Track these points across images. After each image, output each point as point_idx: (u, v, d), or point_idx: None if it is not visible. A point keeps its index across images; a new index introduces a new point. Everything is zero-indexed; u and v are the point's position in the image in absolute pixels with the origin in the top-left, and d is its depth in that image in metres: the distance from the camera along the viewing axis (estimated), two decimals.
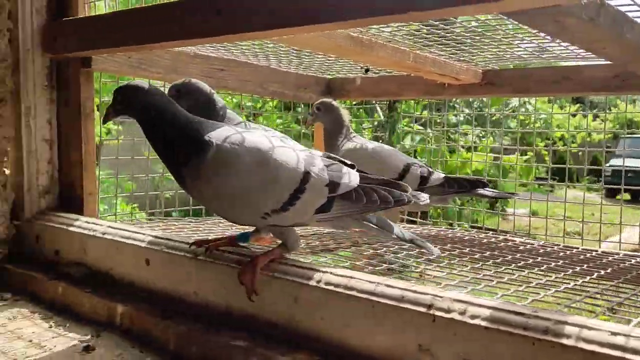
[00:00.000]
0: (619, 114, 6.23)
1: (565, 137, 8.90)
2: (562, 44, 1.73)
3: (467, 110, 6.12)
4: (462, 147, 4.98)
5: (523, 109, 5.35)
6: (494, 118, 6.88)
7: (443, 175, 2.04)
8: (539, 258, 1.72)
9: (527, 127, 4.87)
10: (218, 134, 1.20)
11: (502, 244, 1.98)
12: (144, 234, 1.52)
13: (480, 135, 6.49)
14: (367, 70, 2.43)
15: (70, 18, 1.75)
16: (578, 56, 1.95)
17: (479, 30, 1.76)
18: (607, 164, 8.48)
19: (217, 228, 2.02)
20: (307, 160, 1.25)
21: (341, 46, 1.57)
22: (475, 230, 2.35)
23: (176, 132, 1.20)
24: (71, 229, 1.69)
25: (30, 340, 1.36)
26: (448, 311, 1.00)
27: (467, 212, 3.16)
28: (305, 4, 1.11)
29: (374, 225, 1.36)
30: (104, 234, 1.59)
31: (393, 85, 2.57)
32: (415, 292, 1.05)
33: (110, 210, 4.26)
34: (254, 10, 1.24)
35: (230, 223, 2.18)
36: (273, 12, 1.17)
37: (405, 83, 2.52)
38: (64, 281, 1.60)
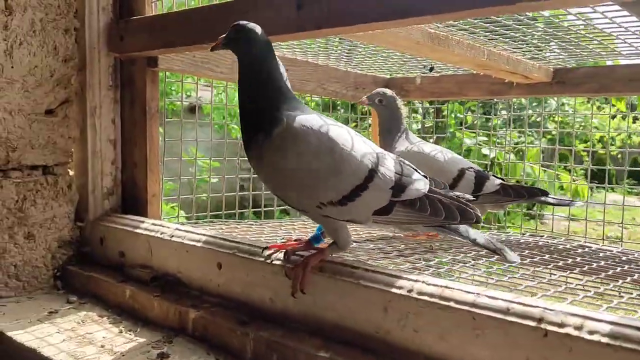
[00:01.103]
0: None
1: (604, 139, 8.61)
2: None
3: (504, 113, 5.97)
4: (510, 150, 4.84)
5: (561, 112, 5.18)
6: (531, 119, 6.69)
7: (499, 181, 1.94)
8: (626, 267, 1.61)
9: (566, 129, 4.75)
10: (294, 113, 1.19)
11: (580, 250, 1.87)
12: (214, 237, 1.48)
13: (518, 136, 6.31)
14: (431, 69, 2.35)
15: (137, 17, 1.73)
16: None
17: (556, 26, 1.67)
18: None
19: (280, 231, 1.97)
20: (376, 159, 1.21)
21: (419, 42, 1.50)
22: (544, 235, 2.23)
23: (261, 94, 1.19)
24: (137, 231, 1.65)
25: (102, 346, 1.32)
26: (562, 325, 0.92)
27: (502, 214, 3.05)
28: None
29: (446, 229, 1.30)
30: (172, 236, 1.56)
31: (454, 84, 2.48)
32: (522, 304, 0.97)
33: None
34: (338, 6, 1.18)
35: (292, 226, 2.14)
36: (364, 6, 1.11)
37: (467, 82, 2.43)
38: (131, 284, 1.57)
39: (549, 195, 1.91)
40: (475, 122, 3.22)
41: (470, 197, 1.33)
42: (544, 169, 4.66)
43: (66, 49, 1.73)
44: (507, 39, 1.80)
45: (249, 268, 1.35)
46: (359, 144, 1.21)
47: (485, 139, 4.11)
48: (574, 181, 3.59)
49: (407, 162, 1.31)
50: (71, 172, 1.82)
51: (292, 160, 1.16)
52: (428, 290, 1.07)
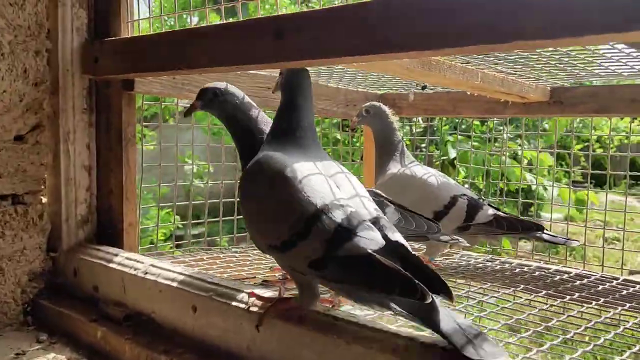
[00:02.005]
0: None
1: (602, 139, 8.57)
2: None
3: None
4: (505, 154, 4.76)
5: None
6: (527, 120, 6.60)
7: (493, 212, 1.85)
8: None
9: (564, 129, 4.69)
10: (268, 149, 1.19)
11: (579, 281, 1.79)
12: (190, 277, 1.38)
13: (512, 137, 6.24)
14: (424, 88, 2.26)
15: (112, 38, 1.63)
16: None
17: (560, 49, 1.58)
18: None
19: (266, 260, 1.88)
20: (327, 204, 1.03)
21: (408, 68, 1.41)
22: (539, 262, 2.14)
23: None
24: (111, 265, 1.56)
25: None
26: None
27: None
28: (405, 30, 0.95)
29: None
30: (145, 273, 1.46)
31: (448, 102, 2.39)
32: None
33: (146, 217, 4.19)
34: (321, 36, 1.09)
35: None
36: (344, 40, 1.02)
37: (461, 100, 2.34)
38: (104, 323, 1.47)
39: (545, 231, 1.82)
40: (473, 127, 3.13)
41: (431, 268, 1.02)
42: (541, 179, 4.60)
43: (37, 71, 1.64)
44: (502, 60, 1.71)
45: (226, 314, 1.26)
46: (316, 180, 1.08)
47: (477, 144, 4.03)
48: (573, 184, 3.53)
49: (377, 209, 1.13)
50: (44, 200, 1.73)
51: (249, 199, 1.18)
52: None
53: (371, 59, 1.04)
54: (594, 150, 2.56)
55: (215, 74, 1.74)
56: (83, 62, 1.69)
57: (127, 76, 1.63)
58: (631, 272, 3.11)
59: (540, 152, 2.98)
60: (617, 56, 1.59)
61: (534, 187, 3.90)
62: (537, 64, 1.73)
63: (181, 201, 2.23)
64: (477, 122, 4.59)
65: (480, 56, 1.65)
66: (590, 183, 2.73)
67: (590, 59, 1.66)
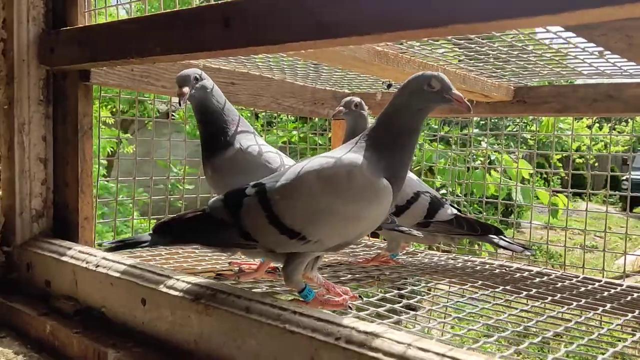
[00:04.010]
0: (635, 125, 5.98)
1: (581, 149, 8.69)
2: (610, 60, 1.55)
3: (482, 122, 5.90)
4: (481, 163, 4.78)
5: (538, 120, 5.15)
6: (508, 129, 6.64)
7: (453, 212, 1.84)
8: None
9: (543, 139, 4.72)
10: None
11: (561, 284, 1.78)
12: (142, 269, 1.36)
13: (494, 145, 6.28)
14: (389, 86, 2.26)
15: (68, 28, 1.61)
16: (624, 73, 1.77)
17: (517, 44, 1.58)
18: (624, 177, 8.21)
19: (225, 256, 1.85)
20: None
21: (364, 60, 1.40)
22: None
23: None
24: (63, 258, 1.53)
25: None
26: None
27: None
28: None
29: None
30: (97, 266, 1.43)
31: None
32: (456, 358, 0.88)
33: (125, 224, 4.14)
34: (267, 22, 1.08)
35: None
36: (288, 25, 1.01)
37: None
38: (53, 318, 1.44)
39: (502, 237, 1.82)
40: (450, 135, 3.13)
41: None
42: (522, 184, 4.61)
43: None
44: (463, 57, 1.72)
45: (174, 306, 1.23)
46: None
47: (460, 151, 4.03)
48: (553, 192, 3.56)
49: None
50: None
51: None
52: (357, 339, 0.97)
53: (315, 45, 1.03)
54: (573, 161, 2.58)
55: (170, 63, 1.72)
56: (39, 52, 1.66)
57: (82, 66, 1.61)
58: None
59: (515, 158, 2.99)
60: (580, 55, 1.60)
61: (513, 195, 3.92)
62: (498, 62, 1.73)
63: (162, 207, 2.21)
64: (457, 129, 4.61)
65: (440, 51, 1.65)
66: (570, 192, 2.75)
67: (549, 55, 1.67)
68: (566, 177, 2.31)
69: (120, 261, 1.43)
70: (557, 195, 3.88)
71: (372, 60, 1.41)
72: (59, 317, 1.45)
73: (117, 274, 1.37)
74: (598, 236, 2.52)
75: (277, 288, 1.44)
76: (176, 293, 1.24)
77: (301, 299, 1.27)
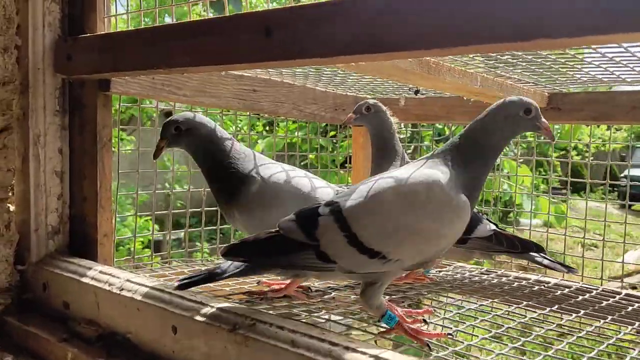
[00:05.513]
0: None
1: (579, 147, 8.62)
2: None
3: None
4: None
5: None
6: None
7: (492, 228, 1.72)
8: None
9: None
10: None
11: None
12: (170, 294, 1.27)
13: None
14: (417, 92, 2.17)
15: (87, 35, 1.52)
16: None
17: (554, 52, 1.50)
18: (622, 175, 8.14)
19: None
20: None
21: (405, 70, 1.32)
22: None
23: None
24: (83, 279, 1.44)
25: None
26: None
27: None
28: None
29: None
30: (121, 289, 1.35)
31: (441, 107, 2.30)
32: None
33: (122, 224, 4.05)
34: (311, 33, 0.99)
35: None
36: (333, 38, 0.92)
37: (455, 106, 2.25)
38: (74, 344, 1.35)
39: (545, 254, 1.72)
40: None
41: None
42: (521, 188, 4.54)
43: (5, 70, 1.52)
44: (501, 63, 1.63)
45: (208, 335, 1.15)
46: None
47: None
48: (552, 191, 3.48)
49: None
50: (12, 208, 1.60)
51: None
52: None
53: (371, 58, 0.94)
54: (567, 153, 2.52)
55: (198, 74, 1.63)
56: (55, 60, 1.57)
57: (102, 76, 1.52)
58: (611, 279, 3.07)
59: (519, 162, 2.91)
60: (621, 57, 1.51)
61: (512, 196, 3.85)
62: (539, 68, 1.65)
63: (161, 206, 2.12)
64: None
65: (478, 58, 1.57)
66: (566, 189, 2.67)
67: (589, 59, 1.58)
68: (565, 176, 2.22)
69: (145, 284, 1.34)
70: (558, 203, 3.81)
71: (413, 69, 1.33)
72: (80, 343, 1.36)
73: (145, 299, 1.28)
74: (597, 234, 2.47)
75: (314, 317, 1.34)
76: (211, 322, 1.15)
77: (384, 324, 1.19)
